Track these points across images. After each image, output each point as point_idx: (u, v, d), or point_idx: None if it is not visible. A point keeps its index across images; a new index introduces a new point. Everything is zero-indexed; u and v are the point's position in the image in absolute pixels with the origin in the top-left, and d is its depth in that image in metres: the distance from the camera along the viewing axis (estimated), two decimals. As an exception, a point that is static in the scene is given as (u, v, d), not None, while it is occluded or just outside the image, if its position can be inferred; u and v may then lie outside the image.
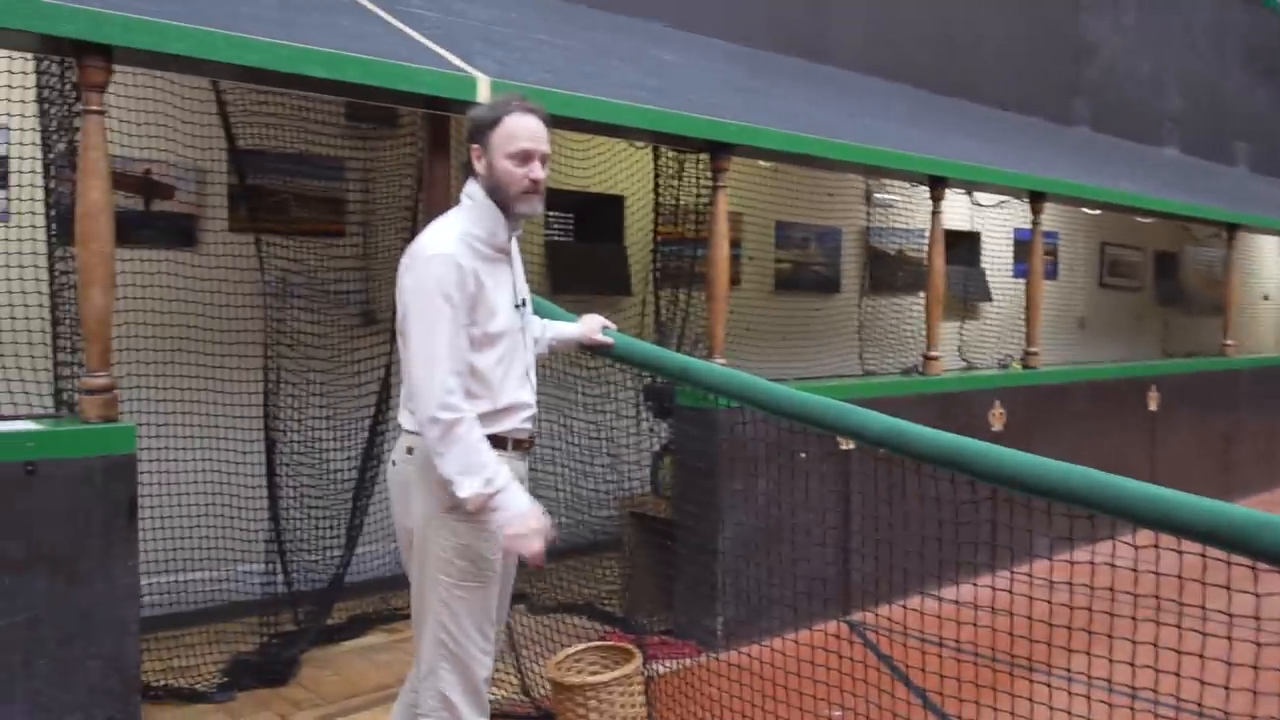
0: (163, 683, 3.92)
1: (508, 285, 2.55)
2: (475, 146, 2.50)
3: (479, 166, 2.49)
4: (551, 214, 6.59)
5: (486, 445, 2.36)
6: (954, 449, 2.22)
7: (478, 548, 2.48)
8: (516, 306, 2.57)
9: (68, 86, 3.43)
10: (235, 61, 3.01)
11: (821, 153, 4.73)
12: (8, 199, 4.40)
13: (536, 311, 2.93)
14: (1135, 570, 2.08)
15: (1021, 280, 7.32)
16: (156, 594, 4.24)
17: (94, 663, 2.82)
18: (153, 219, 4.91)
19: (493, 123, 2.47)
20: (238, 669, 4.07)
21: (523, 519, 2.37)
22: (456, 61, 3.62)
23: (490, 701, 3.82)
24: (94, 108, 2.87)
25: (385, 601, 4.89)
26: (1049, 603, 2.47)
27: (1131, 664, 2.19)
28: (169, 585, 4.37)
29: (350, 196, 5.30)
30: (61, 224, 3.84)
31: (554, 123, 4.16)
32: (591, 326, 2.94)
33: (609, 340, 2.95)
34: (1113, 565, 2.23)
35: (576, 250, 6.64)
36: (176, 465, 4.41)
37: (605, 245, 6.56)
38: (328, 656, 4.37)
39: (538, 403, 2.65)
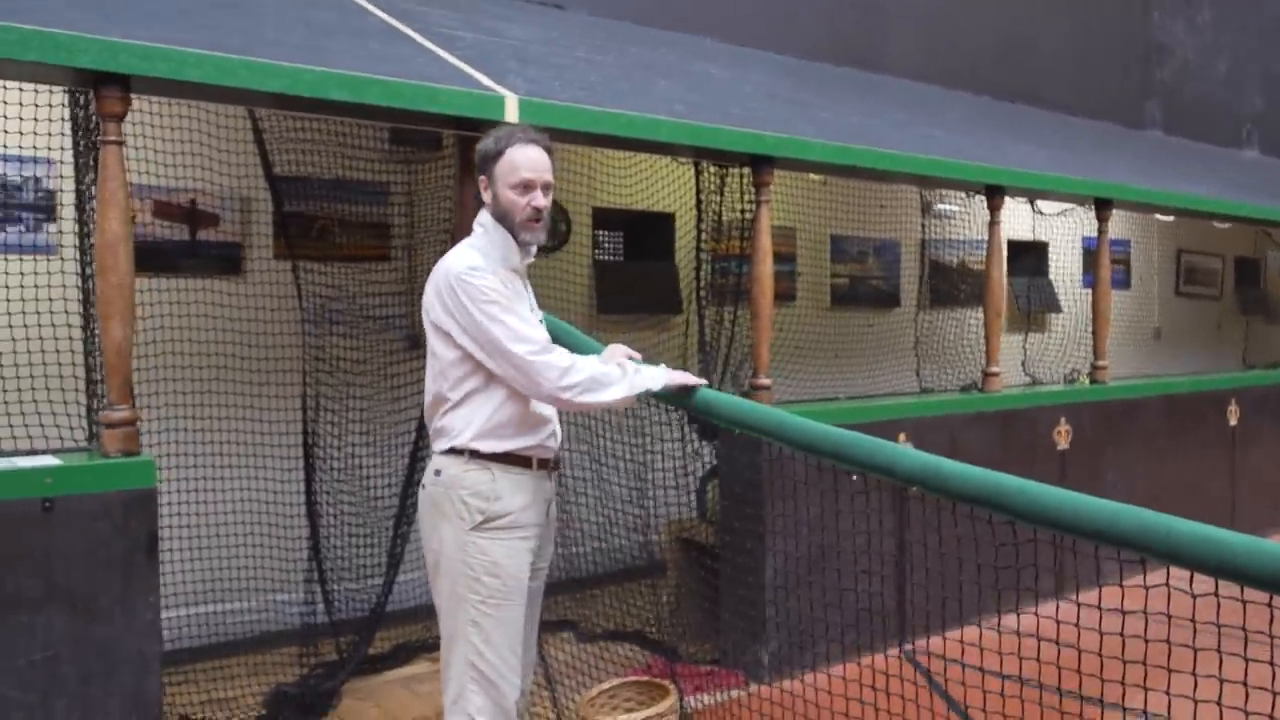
0: (202, 717, 3.88)
1: (525, 306, 2.69)
2: (483, 178, 2.65)
3: (486, 197, 2.64)
4: (600, 233, 6.52)
5: (594, 359, 2.62)
6: (989, 487, 2.03)
7: (506, 565, 2.55)
8: None
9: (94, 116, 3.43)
10: (255, 88, 2.97)
11: (869, 163, 4.56)
12: (56, 232, 4.46)
13: (560, 339, 2.91)
14: (1215, 596, 1.87)
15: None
16: (197, 625, 4.22)
17: (114, 701, 2.77)
18: (198, 248, 4.93)
19: (496, 155, 2.60)
20: (277, 700, 4.02)
21: (670, 376, 2.67)
22: (486, 81, 3.55)
23: (526, 737, 3.74)
24: (112, 138, 2.84)
25: (429, 629, 4.80)
26: (1120, 635, 2.27)
27: (1193, 698, 1.99)
28: (210, 615, 4.35)
29: (394, 221, 5.27)
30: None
31: (587, 140, 4.13)
32: (617, 355, 2.82)
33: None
34: (1191, 593, 2.02)
35: (625, 269, 6.55)
36: (219, 494, 4.40)
37: (654, 263, 6.45)
38: (369, 687, 4.30)
39: (568, 424, 2.81)
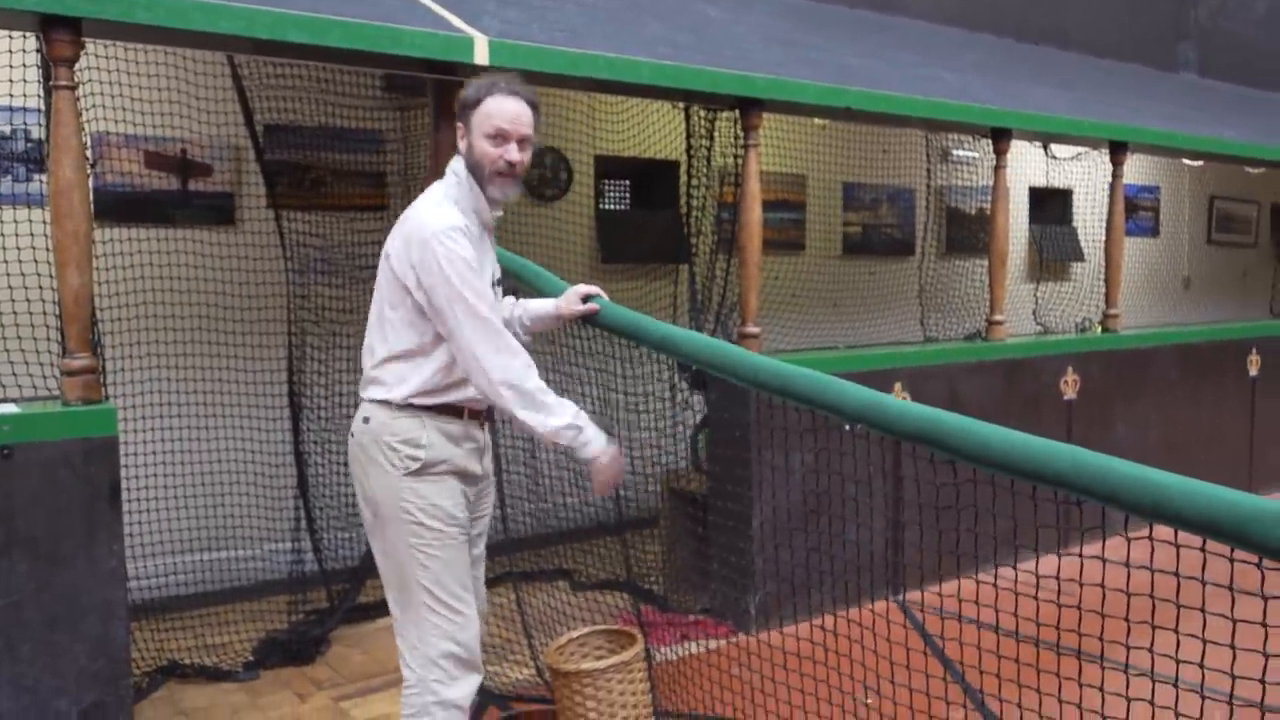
0: (192, 661, 3.94)
1: (489, 263, 2.61)
2: (460, 125, 2.53)
3: (461, 146, 2.53)
4: (606, 182, 6.44)
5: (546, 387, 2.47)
6: (929, 424, 1.95)
7: (445, 505, 2.50)
8: (492, 285, 2.60)
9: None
10: (209, 29, 2.91)
11: (864, 105, 4.42)
12: (44, 182, 4.46)
13: (525, 279, 2.97)
14: (1202, 552, 1.78)
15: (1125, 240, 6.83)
16: (189, 572, 4.27)
17: (80, 646, 2.80)
18: (190, 198, 4.93)
19: (475, 103, 2.49)
20: (267, 647, 4.07)
21: (609, 454, 2.47)
22: (456, 22, 3.47)
23: (504, 684, 3.75)
24: (63, 83, 2.81)
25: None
26: (1125, 592, 2.17)
27: (1174, 658, 1.90)
28: (203, 563, 4.40)
29: (389, 169, 5.23)
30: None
31: (564, 84, 4.03)
32: (570, 298, 2.76)
33: (593, 308, 2.76)
34: (1203, 550, 1.93)
35: (628, 218, 6.47)
36: (208, 442, 4.43)
37: (658, 212, 6.36)
38: (358, 634, 4.33)
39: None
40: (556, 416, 2.40)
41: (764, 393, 2.29)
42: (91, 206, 4.36)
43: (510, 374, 2.38)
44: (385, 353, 2.48)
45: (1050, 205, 8.27)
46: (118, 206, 4.60)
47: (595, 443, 2.43)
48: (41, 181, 4.44)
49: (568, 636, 3.19)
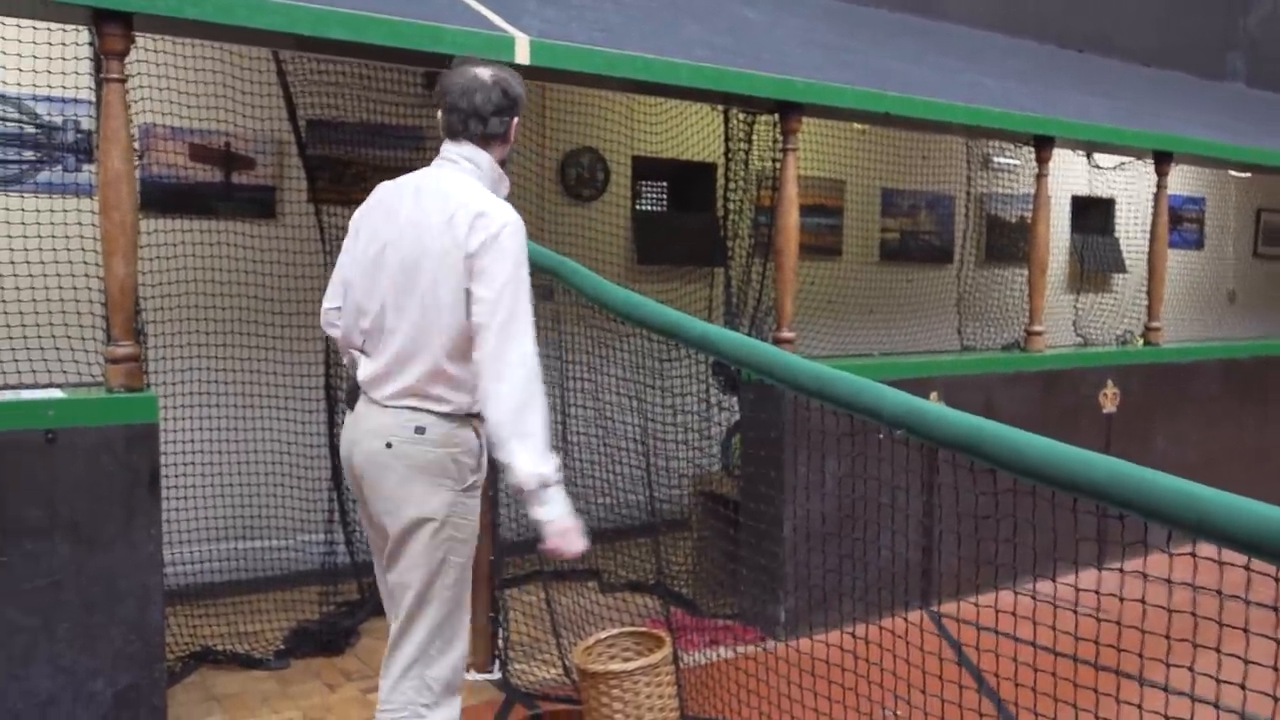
0: (225, 648, 3.98)
1: None
2: (515, 120, 2.50)
3: (510, 140, 2.51)
4: (642, 183, 6.44)
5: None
6: (970, 431, 1.93)
7: (476, 525, 2.44)
8: None
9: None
10: (254, 25, 2.95)
11: (904, 111, 4.40)
12: (93, 173, 4.54)
13: (563, 277, 3.05)
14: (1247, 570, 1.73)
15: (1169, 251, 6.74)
16: (220, 560, 4.32)
17: (117, 629, 2.85)
18: (233, 190, 4.99)
19: (520, 100, 2.50)
20: (298, 637, 4.11)
21: (572, 517, 2.31)
22: (497, 21, 3.49)
23: (531, 682, 3.77)
24: (114, 75, 2.85)
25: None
26: (1166, 609, 2.12)
27: (1215, 679, 1.86)
28: (235, 552, 4.45)
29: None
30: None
31: (603, 85, 4.04)
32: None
33: None
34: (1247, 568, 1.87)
35: (665, 220, 6.47)
36: (245, 432, 4.48)
37: (695, 215, 6.36)
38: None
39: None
40: (543, 460, 2.25)
41: (801, 396, 2.28)
42: (138, 197, 4.49)
43: (531, 389, 2.27)
44: (445, 356, 2.32)
45: (1092, 215, 8.17)
46: (163, 198, 4.67)
47: (558, 505, 2.27)
48: (90, 172, 4.51)
49: (596, 637, 3.20)
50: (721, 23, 4.85)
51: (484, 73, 2.45)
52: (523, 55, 3.39)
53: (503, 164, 2.51)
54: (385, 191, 2.48)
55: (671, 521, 5.06)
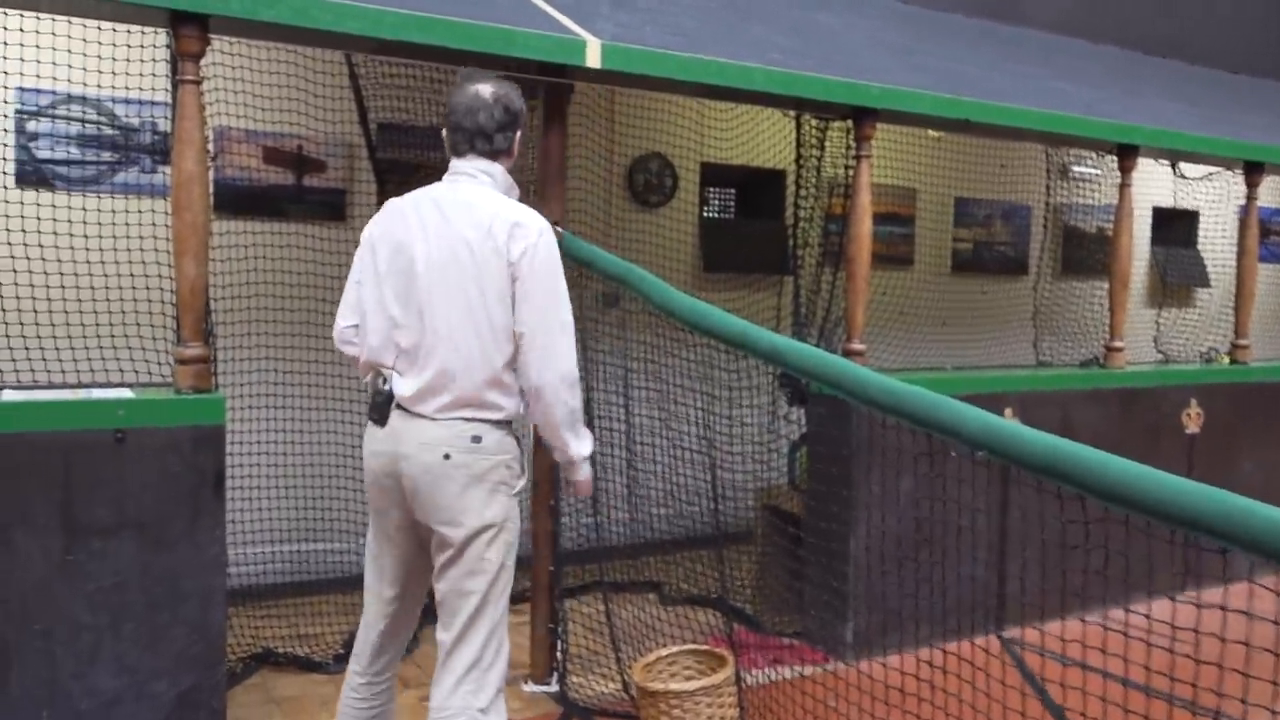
0: (285, 650, 3.99)
1: None
2: (520, 133, 2.59)
3: (515, 153, 2.59)
4: (710, 189, 6.37)
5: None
6: (1063, 457, 1.82)
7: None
8: None
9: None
10: (331, 28, 2.95)
11: (981, 117, 4.27)
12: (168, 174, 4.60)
13: (630, 284, 3.06)
14: None
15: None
16: (283, 561, 4.33)
17: (180, 630, 2.85)
18: (304, 193, 5.03)
19: (523, 116, 2.61)
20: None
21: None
22: (569, 24, 3.45)
23: (589, 696, 3.71)
24: (189, 77, 2.86)
25: (517, 581, 4.80)
26: (1246, 644, 2.00)
27: None
28: (298, 554, 4.46)
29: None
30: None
31: (676, 89, 3.98)
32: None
33: None
34: None
35: (733, 227, 6.39)
36: (313, 435, 4.50)
37: (763, 222, 6.27)
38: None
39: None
40: (586, 443, 2.54)
41: (874, 411, 2.19)
42: (211, 199, 4.54)
43: (574, 382, 2.44)
44: (501, 363, 2.40)
45: (1174, 227, 7.91)
46: (236, 199, 4.72)
47: (588, 469, 2.59)
48: (165, 173, 4.57)
49: (656, 654, 3.13)
50: (794, 26, 4.76)
51: (485, 90, 2.52)
52: (594, 59, 3.35)
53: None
54: (402, 207, 2.52)
55: (734, 535, 4.98)
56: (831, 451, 4.15)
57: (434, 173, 5.01)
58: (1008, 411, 4.39)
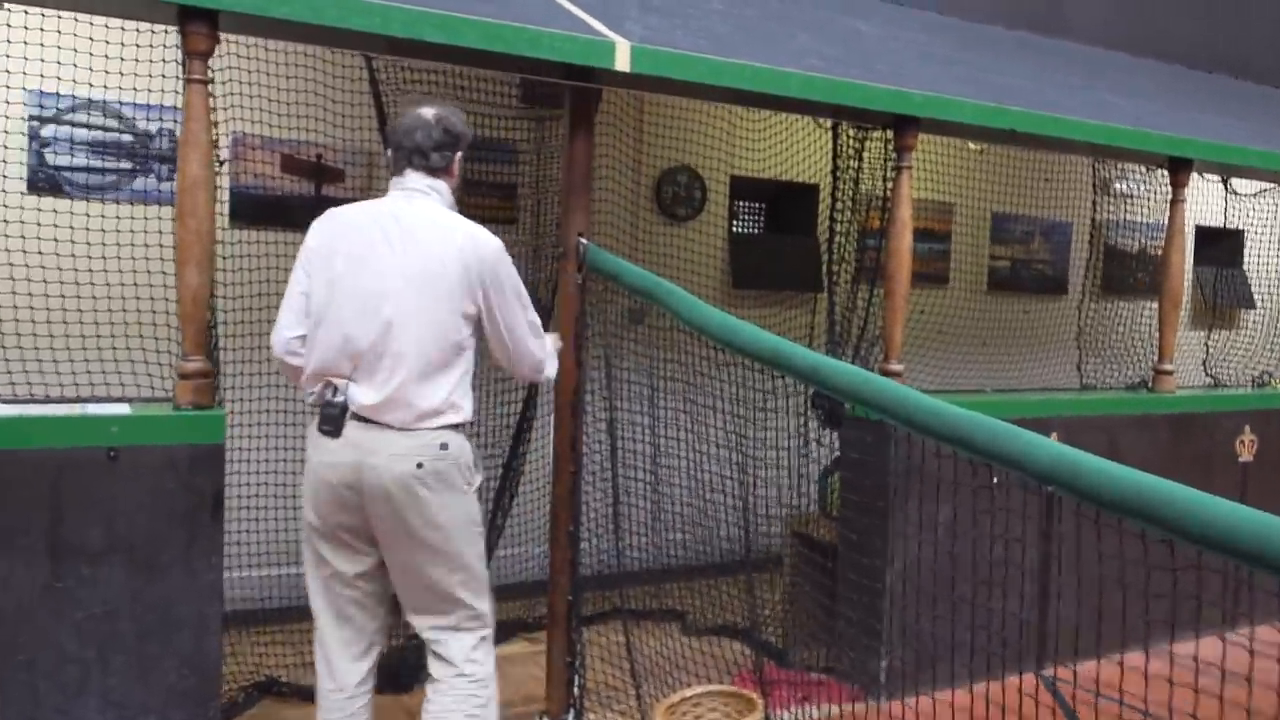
0: (289, 680, 3.81)
1: None
2: (459, 155, 2.76)
3: (451, 180, 2.75)
4: (740, 203, 6.19)
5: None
6: (1155, 497, 1.60)
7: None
8: None
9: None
10: (343, 26, 2.78)
11: (1029, 128, 4.05)
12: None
13: (658, 299, 3.02)
14: None
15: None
16: (289, 586, 4.16)
17: (171, 662, 2.67)
18: (323, 203, 4.88)
19: (465, 138, 2.79)
20: (366, 669, 3.92)
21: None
22: (596, 25, 3.28)
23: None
24: (197, 77, 2.71)
25: (528, 608, 4.62)
26: None
27: None
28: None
29: (521, 182, 5.09)
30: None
31: (708, 95, 3.80)
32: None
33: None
34: None
35: (763, 242, 6.20)
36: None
37: (794, 238, 6.08)
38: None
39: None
40: (552, 363, 2.90)
41: (928, 440, 1.98)
42: (227, 206, 4.40)
43: (541, 365, 2.80)
44: (460, 373, 2.59)
45: (1218, 246, 7.64)
46: (252, 208, 4.59)
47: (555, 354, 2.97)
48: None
49: (681, 694, 2.93)
50: (834, 34, 4.58)
51: (428, 112, 2.70)
52: (623, 62, 3.17)
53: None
54: (355, 220, 2.63)
55: (759, 561, 4.76)
56: (867, 478, 3.93)
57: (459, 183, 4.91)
58: (1053, 436, 4.15)
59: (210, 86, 4.10)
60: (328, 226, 2.65)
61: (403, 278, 2.49)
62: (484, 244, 2.59)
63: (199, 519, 2.70)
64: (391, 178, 2.69)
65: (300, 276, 2.62)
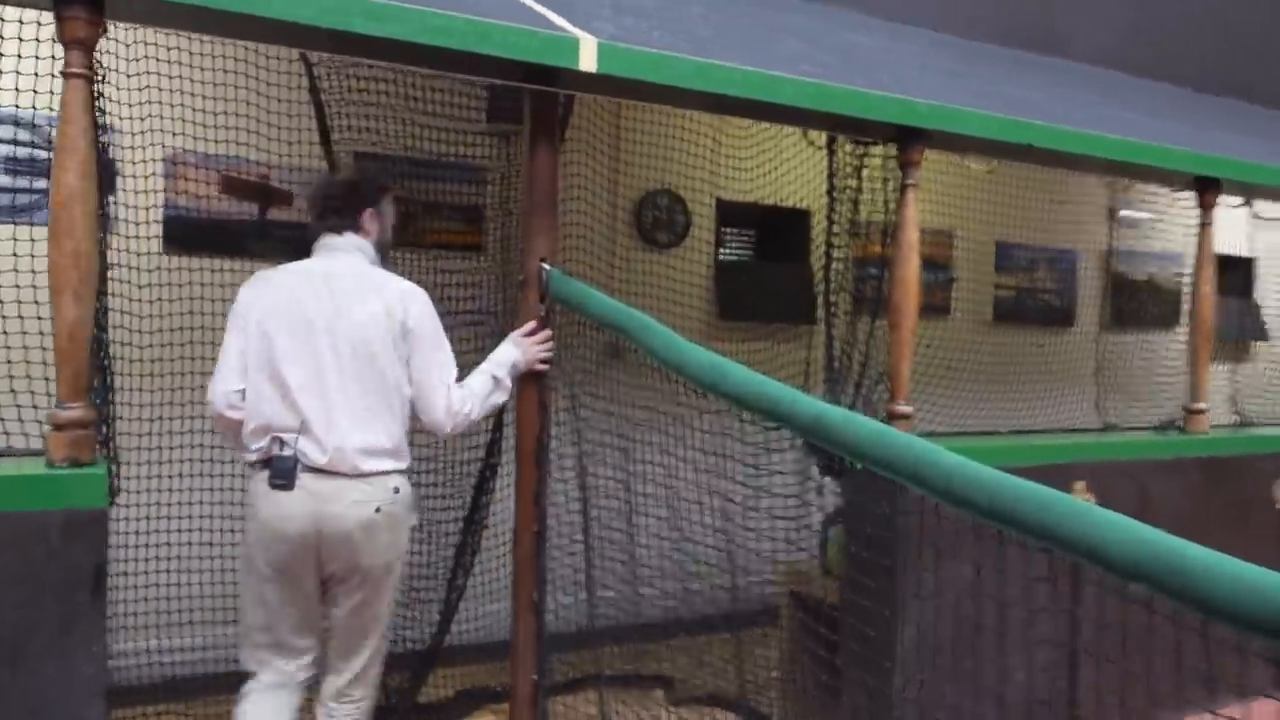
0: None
1: None
2: (371, 210, 2.85)
3: (375, 228, 2.85)
4: (726, 230, 5.79)
5: (476, 381, 2.86)
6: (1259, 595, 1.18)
7: None
8: None
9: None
10: (254, 12, 2.35)
11: (1047, 143, 3.65)
12: (116, 204, 4.02)
13: (630, 334, 2.80)
14: None
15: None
16: (220, 649, 3.69)
17: (40, 778, 2.20)
18: (270, 228, 4.46)
19: (389, 187, 2.99)
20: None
21: (525, 353, 2.98)
22: (559, 21, 2.86)
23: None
24: (75, 69, 2.27)
25: (497, 673, 4.14)
26: None
27: None
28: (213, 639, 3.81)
29: (488, 205, 4.69)
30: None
31: (686, 101, 3.38)
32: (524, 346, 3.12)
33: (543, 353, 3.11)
34: None
35: (751, 270, 5.80)
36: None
37: (785, 266, 5.67)
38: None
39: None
40: (500, 391, 2.88)
41: (978, 518, 1.54)
42: (160, 229, 3.99)
43: (459, 409, 2.76)
44: (402, 419, 2.70)
45: (1227, 275, 7.27)
46: (186, 233, 4.18)
47: (515, 365, 2.94)
48: (113, 203, 4.01)
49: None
50: (828, 43, 4.18)
51: (338, 176, 2.99)
52: (588, 61, 2.75)
53: (385, 250, 2.92)
54: (286, 281, 2.71)
55: (752, 616, 4.29)
56: (874, 532, 3.48)
57: (414, 207, 4.50)
58: (1080, 485, 3.72)
59: (144, 94, 3.78)
60: (259, 287, 2.72)
61: (350, 338, 2.60)
62: (413, 296, 2.73)
63: (76, 600, 2.23)
64: (316, 238, 2.83)
65: (235, 336, 2.67)
